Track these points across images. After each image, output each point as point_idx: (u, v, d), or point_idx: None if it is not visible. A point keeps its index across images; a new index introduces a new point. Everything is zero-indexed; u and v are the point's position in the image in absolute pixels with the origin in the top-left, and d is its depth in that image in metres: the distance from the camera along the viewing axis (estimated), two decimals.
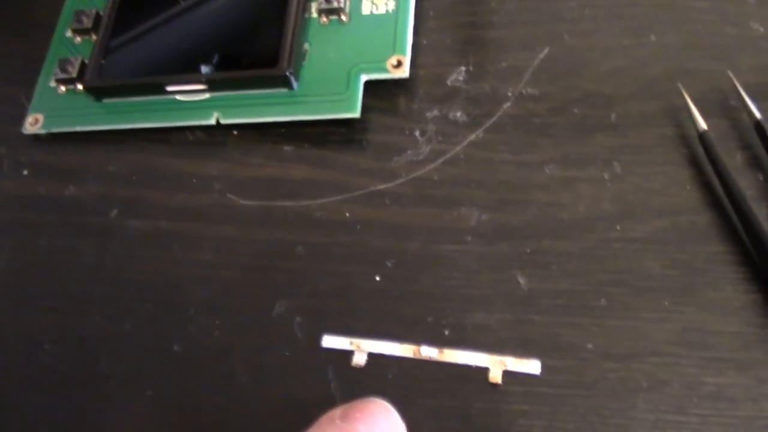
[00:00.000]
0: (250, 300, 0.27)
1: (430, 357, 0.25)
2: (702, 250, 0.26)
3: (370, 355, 0.26)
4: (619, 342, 0.25)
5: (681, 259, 0.26)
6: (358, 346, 0.26)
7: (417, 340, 0.26)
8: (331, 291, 0.27)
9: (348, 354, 0.26)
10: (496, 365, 0.25)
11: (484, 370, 0.25)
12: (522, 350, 0.25)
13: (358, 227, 0.28)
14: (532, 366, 0.25)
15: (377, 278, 0.27)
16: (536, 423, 0.24)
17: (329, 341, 0.26)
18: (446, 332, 0.26)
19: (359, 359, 0.26)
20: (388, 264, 0.27)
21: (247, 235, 0.29)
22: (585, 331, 0.25)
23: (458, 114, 0.30)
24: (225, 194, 0.30)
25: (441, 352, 0.25)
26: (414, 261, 0.27)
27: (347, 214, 0.28)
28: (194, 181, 0.30)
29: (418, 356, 0.25)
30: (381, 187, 0.29)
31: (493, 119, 0.29)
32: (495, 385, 0.25)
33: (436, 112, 0.30)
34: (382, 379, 0.25)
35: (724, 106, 0.28)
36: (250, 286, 0.28)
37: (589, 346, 0.25)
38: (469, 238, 0.27)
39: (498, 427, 0.24)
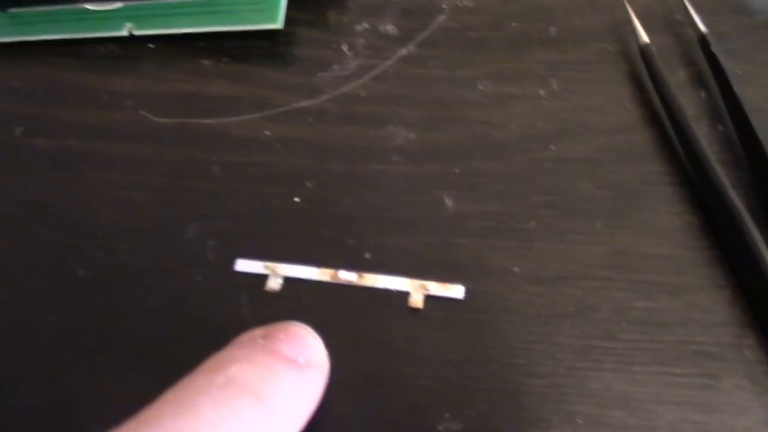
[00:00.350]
0: (161, 222, 0.26)
1: (348, 281, 0.24)
2: (638, 170, 0.25)
3: (286, 280, 0.24)
4: (547, 265, 0.24)
5: (616, 180, 0.25)
6: (273, 270, 0.24)
7: (336, 265, 0.24)
8: (247, 213, 0.25)
9: (262, 278, 0.24)
10: (418, 290, 0.23)
11: (405, 295, 0.24)
12: (446, 274, 0.24)
13: (278, 146, 0.26)
14: (455, 291, 0.23)
15: (296, 200, 0.25)
16: (458, 349, 0.23)
17: (242, 265, 0.25)
18: (367, 256, 0.24)
19: (274, 284, 0.24)
20: (309, 185, 0.25)
21: (160, 154, 0.27)
22: (512, 255, 0.24)
23: (389, 27, 0.28)
24: (138, 111, 0.28)
25: (360, 277, 0.24)
26: (336, 182, 0.25)
27: (267, 133, 0.26)
28: (105, 97, 0.28)
29: (336, 280, 0.24)
30: (304, 104, 0.27)
31: (426, 33, 0.28)
32: (416, 310, 0.23)
33: (366, 25, 0.28)
34: (298, 304, 0.24)
35: (669, 20, 0.27)
36: (162, 208, 0.26)
37: (516, 269, 0.24)
38: (395, 158, 0.26)
39: (419, 353, 0.23)
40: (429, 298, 0.23)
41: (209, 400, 0.18)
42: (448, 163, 0.25)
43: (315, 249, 0.25)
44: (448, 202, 0.25)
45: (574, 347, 0.22)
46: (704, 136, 0.25)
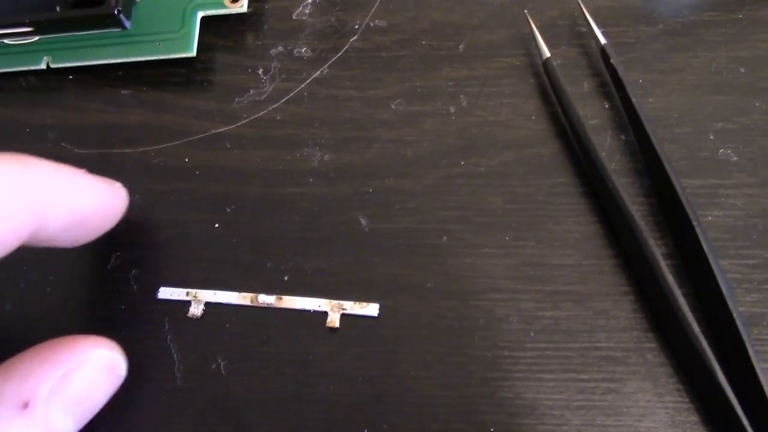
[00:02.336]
0: (85, 254, 0.26)
1: (268, 304, 0.24)
2: (544, 182, 0.25)
3: (208, 305, 0.25)
4: (458, 280, 0.24)
5: (523, 193, 0.25)
6: (195, 296, 0.25)
7: (256, 288, 0.25)
8: (168, 241, 0.26)
9: (185, 305, 0.25)
10: (335, 309, 0.24)
11: (323, 315, 0.24)
12: (361, 292, 0.24)
13: (198, 173, 0.27)
14: (370, 309, 0.24)
15: (216, 225, 0.26)
16: (374, 365, 0.23)
17: (165, 293, 0.25)
18: (285, 278, 0.25)
19: (195, 310, 0.25)
20: (228, 210, 0.26)
21: None
22: (425, 270, 0.25)
23: (303, 50, 0.28)
24: (59, 143, 0.28)
25: (279, 299, 0.24)
26: (254, 206, 0.26)
27: (186, 160, 0.27)
28: (27, 130, 0.28)
29: (255, 304, 0.25)
30: (222, 129, 0.27)
31: (339, 54, 0.28)
32: (333, 330, 0.24)
33: (280, 48, 0.29)
34: (219, 328, 0.24)
35: (574, 33, 0.28)
36: None
37: (429, 285, 0.24)
38: (311, 180, 0.26)
39: (335, 371, 0.24)
40: (345, 317, 0.24)
41: None
42: (363, 183, 0.26)
43: (235, 273, 0.25)
44: (363, 221, 0.25)
45: (484, 359, 0.23)
46: (607, 146, 0.26)
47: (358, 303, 0.24)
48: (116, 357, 0.22)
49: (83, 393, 0.20)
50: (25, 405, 0.19)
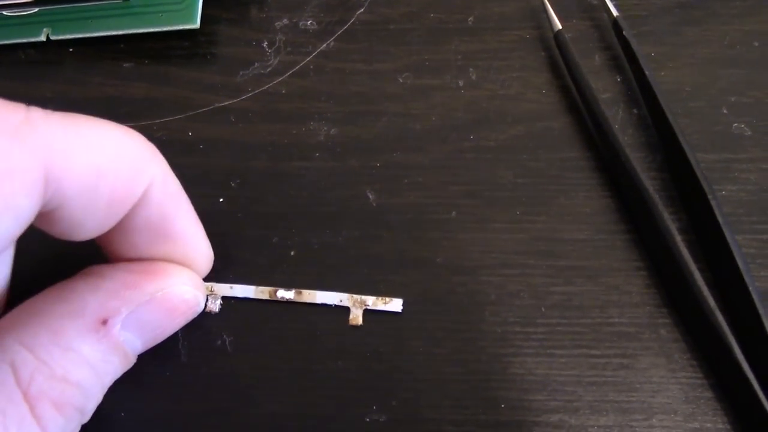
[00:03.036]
0: None
1: (287, 299, 0.24)
2: (555, 156, 0.25)
3: (225, 299, 0.24)
4: (468, 255, 0.24)
5: (534, 167, 0.25)
6: (212, 291, 0.24)
7: (262, 263, 0.24)
8: None
9: None
10: (357, 305, 0.23)
11: (345, 311, 0.23)
12: (369, 267, 0.24)
13: (201, 147, 0.26)
14: (394, 305, 0.23)
15: (221, 200, 0.25)
16: (383, 342, 0.23)
17: None
18: (292, 253, 0.24)
19: (213, 305, 0.24)
20: (232, 184, 0.25)
21: None
22: (434, 245, 0.24)
23: (309, 22, 0.28)
24: None
25: (299, 293, 0.24)
26: (259, 180, 0.26)
27: (190, 133, 0.26)
28: (26, 103, 0.28)
29: (274, 298, 0.24)
30: (226, 103, 0.27)
31: (345, 27, 0.28)
32: (356, 327, 0.23)
33: (285, 21, 0.28)
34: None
35: (585, 5, 0.27)
36: None
37: (438, 260, 0.24)
38: (318, 154, 0.26)
39: (343, 347, 0.23)
40: (368, 312, 0.23)
41: None
42: (370, 157, 0.25)
43: (241, 248, 0.25)
44: (371, 195, 0.25)
45: (495, 334, 0.23)
46: (619, 120, 0.25)
47: (381, 298, 0.23)
48: (198, 295, 0.22)
49: (159, 321, 0.20)
50: (104, 322, 0.19)
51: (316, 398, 0.22)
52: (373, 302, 0.23)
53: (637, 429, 0.21)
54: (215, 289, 0.24)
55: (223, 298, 0.24)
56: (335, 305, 0.23)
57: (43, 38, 0.28)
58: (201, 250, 0.22)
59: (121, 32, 0.27)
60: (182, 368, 0.23)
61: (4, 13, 0.28)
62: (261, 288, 0.24)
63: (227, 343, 0.23)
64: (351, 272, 0.24)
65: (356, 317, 0.23)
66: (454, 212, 0.24)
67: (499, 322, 0.23)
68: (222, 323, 0.23)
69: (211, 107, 0.27)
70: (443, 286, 0.23)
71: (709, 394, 0.22)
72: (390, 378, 0.22)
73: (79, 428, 0.19)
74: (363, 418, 0.22)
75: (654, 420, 0.21)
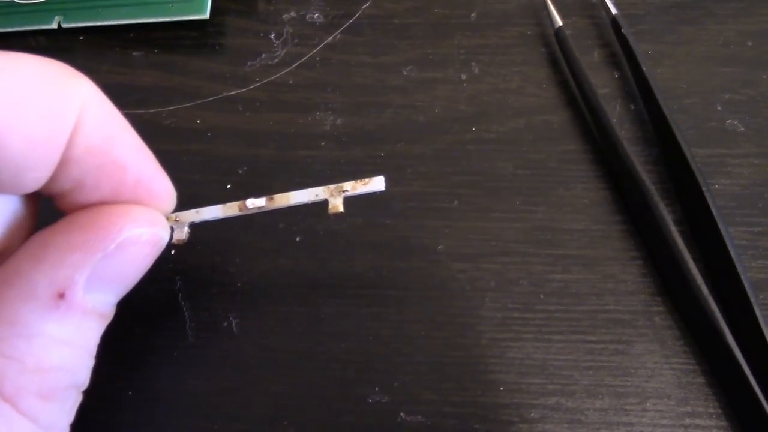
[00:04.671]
0: None
1: (259, 207, 0.21)
2: (555, 149, 0.26)
3: (193, 227, 0.21)
4: (469, 243, 0.25)
5: (534, 159, 0.26)
6: (175, 219, 0.21)
7: (267, 247, 0.25)
8: (180, 201, 0.26)
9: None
10: (335, 194, 0.21)
11: (323, 205, 0.21)
12: (373, 253, 0.24)
13: (209, 134, 0.27)
14: (375, 183, 0.21)
15: (228, 186, 0.26)
16: (384, 325, 0.24)
17: None
18: (298, 239, 0.25)
19: (180, 234, 0.21)
20: (240, 171, 0.26)
21: None
22: (436, 233, 0.25)
23: (316, 15, 0.28)
24: None
25: (270, 199, 0.21)
26: (266, 167, 0.26)
27: (198, 122, 0.27)
28: None
29: (245, 211, 0.21)
30: (234, 92, 0.27)
31: (352, 20, 0.28)
32: (339, 216, 0.22)
33: (293, 14, 0.29)
34: (231, 287, 0.24)
35: (584, 4, 0.28)
36: None
37: (440, 247, 0.25)
38: (323, 143, 0.26)
39: (347, 329, 0.24)
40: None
41: None
42: (374, 147, 0.26)
43: (245, 231, 0.25)
44: None
45: (494, 320, 0.23)
46: (617, 115, 0.26)
47: (360, 180, 0.21)
48: (158, 231, 0.19)
49: (123, 273, 0.18)
50: (62, 295, 0.17)
51: (319, 379, 0.23)
52: (352, 186, 0.20)
53: (631, 412, 0.22)
54: (180, 217, 0.21)
55: (191, 225, 0.21)
56: (311, 202, 0.21)
57: (54, 26, 0.28)
58: (156, 182, 0.19)
59: (131, 21, 0.28)
60: (189, 349, 0.23)
61: (17, 0, 0.28)
62: (229, 204, 0.21)
63: (233, 324, 0.24)
64: (355, 258, 0.24)
65: (336, 206, 0.20)
66: (455, 201, 0.25)
67: (499, 308, 0.24)
68: (227, 305, 0.24)
69: (220, 96, 0.27)
70: (444, 272, 0.24)
71: (701, 379, 0.22)
72: (392, 360, 0.23)
73: (80, 397, 0.18)
74: (365, 398, 0.23)
75: (648, 404, 0.22)
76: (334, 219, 0.24)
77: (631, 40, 0.26)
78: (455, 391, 0.23)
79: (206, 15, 0.27)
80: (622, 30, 0.26)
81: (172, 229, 0.21)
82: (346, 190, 0.20)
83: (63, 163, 0.17)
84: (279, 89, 0.27)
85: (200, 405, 0.23)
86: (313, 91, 0.27)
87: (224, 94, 0.27)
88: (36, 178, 0.17)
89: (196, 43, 0.28)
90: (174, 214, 0.21)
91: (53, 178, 0.17)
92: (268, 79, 0.27)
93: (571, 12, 0.27)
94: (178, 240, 0.21)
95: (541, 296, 0.24)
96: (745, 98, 0.26)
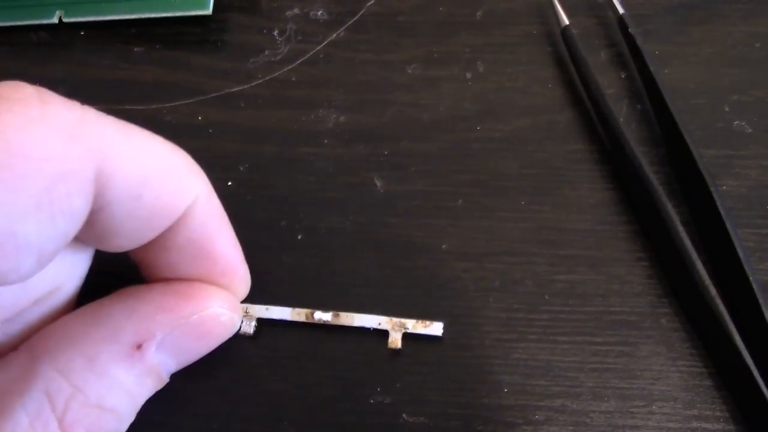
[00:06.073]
0: None
1: (324, 321, 0.23)
2: (561, 148, 0.25)
3: (260, 321, 0.23)
4: (473, 242, 0.24)
5: (539, 158, 0.25)
6: (246, 312, 0.23)
7: (270, 246, 0.24)
8: None
9: None
10: (396, 328, 0.23)
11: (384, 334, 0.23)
12: (375, 253, 0.24)
13: (211, 131, 0.26)
14: (434, 328, 0.23)
15: (229, 183, 0.26)
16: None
17: None
18: (299, 237, 0.25)
19: (248, 327, 0.23)
20: (241, 168, 0.26)
21: None
22: (440, 232, 0.24)
23: (319, 12, 0.28)
24: (70, 98, 0.27)
25: (336, 316, 0.23)
26: (268, 165, 0.26)
27: (200, 118, 0.27)
28: (37, 84, 0.28)
29: (311, 320, 0.23)
30: (236, 89, 0.27)
31: (356, 18, 0.28)
32: (396, 351, 0.23)
33: (296, 11, 0.28)
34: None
35: (591, 3, 0.28)
36: None
37: (444, 246, 0.24)
38: (326, 141, 0.26)
39: (348, 329, 0.23)
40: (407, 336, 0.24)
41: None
42: (378, 145, 0.26)
43: (249, 231, 0.25)
44: (378, 182, 0.25)
45: (499, 320, 0.23)
46: (623, 115, 0.26)
47: (420, 322, 0.23)
48: (234, 317, 0.21)
49: (193, 343, 0.20)
50: (139, 346, 0.19)
51: (321, 379, 0.22)
52: (413, 325, 0.23)
53: (637, 415, 0.22)
54: (250, 311, 0.23)
55: (258, 320, 0.23)
56: (373, 328, 0.23)
57: (55, 20, 0.28)
58: (239, 274, 0.22)
59: (133, 16, 0.27)
60: None
61: None
62: (297, 310, 0.23)
63: None
64: (357, 257, 0.24)
65: (395, 340, 0.23)
66: (460, 200, 0.25)
67: (504, 308, 0.23)
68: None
69: (222, 93, 0.27)
70: (448, 272, 0.24)
71: (708, 382, 0.22)
72: (395, 361, 0.23)
73: None
74: (367, 399, 0.22)
75: (654, 407, 0.22)
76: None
77: (639, 39, 0.25)
78: (459, 392, 0.22)
79: (209, 11, 0.27)
80: (629, 29, 0.26)
81: (242, 320, 0.23)
82: (407, 328, 0.23)
83: (158, 245, 0.19)
84: (282, 86, 0.27)
85: (197, 405, 0.23)
86: (317, 89, 0.27)
87: (226, 90, 0.27)
88: (121, 243, 0.19)
89: (198, 39, 0.28)
90: (245, 306, 0.23)
91: (145, 253, 0.20)
92: (270, 76, 0.27)
93: (578, 11, 0.27)
94: (245, 333, 0.23)
95: (546, 297, 0.23)
96: (753, 99, 0.26)
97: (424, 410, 0.22)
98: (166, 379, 0.20)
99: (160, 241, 0.19)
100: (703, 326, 0.22)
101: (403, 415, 0.22)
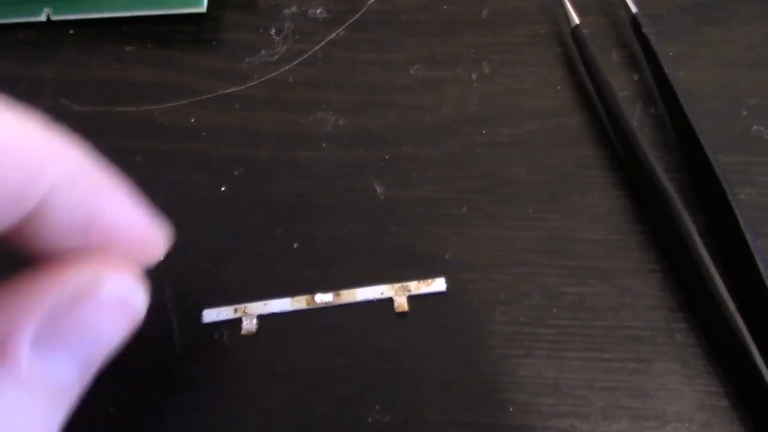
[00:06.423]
0: None
1: (326, 303, 0.23)
2: (570, 154, 0.24)
3: (261, 318, 0.23)
4: (478, 252, 0.23)
5: (548, 164, 0.24)
6: (245, 312, 0.22)
7: (264, 255, 0.23)
8: (172, 203, 0.24)
9: (235, 322, 0.23)
10: (400, 292, 0.22)
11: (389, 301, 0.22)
12: (375, 262, 0.23)
13: (204, 134, 0.25)
14: (437, 284, 0.22)
15: (222, 189, 0.24)
16: (387, 338, 0.22)
17: (211, 315, 0.23)
18: (295, 245, 0.24)
19: (249, 326, 0.22)
20: (235, 173, 0.25)
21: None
22: (443, 241, 0.23)
23: (318, 10, 0.27)
24: (58, 100, 0.26)
25: (337, 295, 0.22)
26: (263, 169, 0.25)
27: (193, 120, 0.26)
28: (24, 85, 0.27)
29: (312, 305, 0.22)
30: (231, 90, 0.26)
31: (356, 16, 0.27)
32: (403, 314, 0.22)
33: (294, 9, 0.27)
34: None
35: (602, 1, 0.26)
36: None
37: (447, 256, 0.23)
38: (324, 144, 0.25)
39: (347, 343, 0.22)
40: (413, 298, 0.22)
41: None
42: (379, 149, 0.25)
43: (242, 238, 0.24)
44: (378, 188, 0.24)
45: (505, 334, 0.22)
46: (636, 118, 0.24)
47: (423, 281, 0.22)
48: (126, 281, 0.15)
49: (83, 332, 0.14)
50: (1, 345, 0.13)
51: (317, 396, 0.21)
52: (416, 286, 0.22)
53: None
54: (249, 309, 0.22)
55: (259, 316, 0.22)
56: (377, 299, 0.22)
57: (43, 18, 0.27)
58: (143, 238, 0.17)
59: (124, 14, 0.26)
60: (177, 362, 0.22)
61: None
62: (297, 298, 0.22)
63: (224, 336, 0.22)
64: (356, 267, 0.23)
65: (401, 304, 0.22)
66: (464, 208, 0.24)
67: (509, 322, 0.22)
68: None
69: (216, 94, 0.26)
70: (451, 283, 0.23)
71: (725, 402, 0.21)
72: (394, 377, 0.22)
73: None
74: (366, 418, 0.21)
75: (668, 428, 0.21)
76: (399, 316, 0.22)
77: (652, 40, 0.24)
78: (462, 411, 0.21)
79: (203, 8, 0.26)
80: (643, 30, 0.24)
81: (241, 321, 0.22)
82: (411, 290, 0.22)
83: (25, 228, 0.14)
84: (278, 87, 0.26)
85: (188, 422, 0.21)
86: (315, 90, 0.26)
87: (221, 91, 0.26)
88: None
89: (192, 38, 0.27)
90: (243, 306, 0.22)
91: (14, 236, 0.15)
92: (267, 77, 0.26)
93: (589, 10, 0.26)
94: (248, 332, 0.22)
95: (555, 310, 0.22)
96: None
97: (424, 429, 0.21)
98: (68, 393, 0.14)
99: (26, 224, 0.14)
100: (721, 342, 0.21)
101: None
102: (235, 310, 0.23)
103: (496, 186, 0.24)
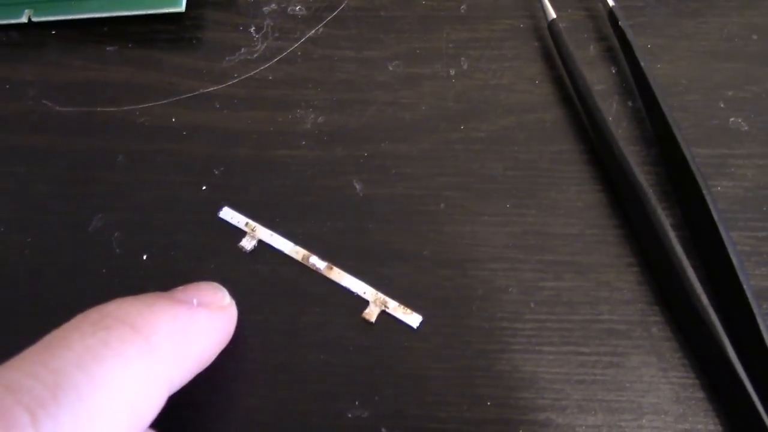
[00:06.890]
0: (65, 215, 0.25)
1: (316, 268, 0.23)
2: (547, 149, 0.24)
3: (260, 243, 0.24)
4: (456, 248, 0.23)
5: (525, 159, 0.24)
6: (252, 230, 0.24)
7: (245, 251, 0.24)
8: (153, 203, 0.25)
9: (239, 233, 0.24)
10: (378, 304, 0.23)
11: (362, 303, 0.23)
12: (355, 259, 0.23)
13: (185, 133, 0.25)
14: (412, 319, 0.22)
15: (203, 188, 0.25)
16: (365, 335, 0.22)
17: (227, 214, 0.24)
18: None
19: (247, 243, 0.24)
20: (216, 172, 0.25)
21: (63, 145, 0.26)
22: (421, 238, 0.23)
23: (297, 8, 0.27)
24: (40, 101, 0.27)
25: (330, 268, 0.23)
26: (243, 168, 0.25)
27: (173, 119, 0.26)
28: (6, 86, 0.27)
29: (305, 263, 0.23)
30: (211, 89, 0.26)
31: (335, 13, 0.27)
32: (369, 323, 0.23)
33: (273, 6, 0.27)
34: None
35: None
36: (66, 201, 0.25)
37: (425, 252, 0.23)
38: (304, 142, 0.25)
39: (325, 340, 0.22)
40: (384, 314, 0.23)
41: (78, 334, 0.17)
42: (358, 146, 0.25)
43: (219, 237, 0.24)
44: (357, 185, 0.24)
45: (482, 330, 0.22)
46: (613, 112, 0.24)
47: (402, 306, 0.23)
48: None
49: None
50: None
51: (296, 393, 0.22)
52: (394, 308, 0.23)
53: (626, 429, 0.21)
54: (257, 230, 0.24)
55: (259, 242, 0.24)
56: (357, 294, 0.23)
57: (24, 20, 0.27)
58: (226, 330, 0.21)
59: (105, 15, 0.26)
60: None
61: None
62: (296, 248, 0.23)
63: None
64: (335, 264, 0.23)
65: (371, 313, 0.22)
66: (442, 204, 0.24)
67: (487, 317, 0.22)
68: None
69: (196, 93, 0.26)
70: (429, 279, 0.23)
71: (700, 394, 0.21)
72: (373, 373, 0.22)
73: None
74: (345, 413, 0.21)
75: (644, 420, 0.21)
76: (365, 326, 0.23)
77: (629, 33, 0.24)
78: (440, 406, 0.21)
79: (182, 8, 0.26)
80: (620, 23, 0.25)
81: (245, 234, 0.24)
82: (387, 308, 0.22)
83: None
84: (258, 85, 0.26)
85: (170, 420, 0.22)
86: (294, 88, 0.26)
87: (201, 90, 0.26)
88: None
89: (172, 37, 0.27)
90: (253, 224, 0.24)
91: None
92: (246, 75, 0.26)
93: (566, 4, 0.26)
94: (242, 247, 0.24)
95: (532, 305, 0.22)
96: (749, 95, 0.24)
97: (402, 425, 0.21)
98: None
99: None
100: (695, 336, 0.21)
101: (382, 430, 0.21)
102: (246, 224, 0.24)
103: (474, 182, 0.24)
